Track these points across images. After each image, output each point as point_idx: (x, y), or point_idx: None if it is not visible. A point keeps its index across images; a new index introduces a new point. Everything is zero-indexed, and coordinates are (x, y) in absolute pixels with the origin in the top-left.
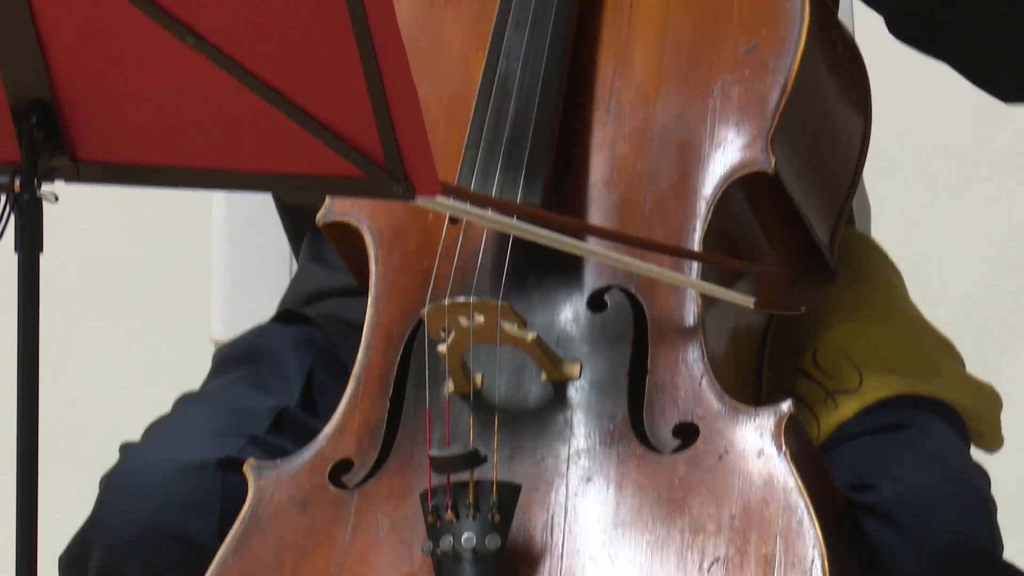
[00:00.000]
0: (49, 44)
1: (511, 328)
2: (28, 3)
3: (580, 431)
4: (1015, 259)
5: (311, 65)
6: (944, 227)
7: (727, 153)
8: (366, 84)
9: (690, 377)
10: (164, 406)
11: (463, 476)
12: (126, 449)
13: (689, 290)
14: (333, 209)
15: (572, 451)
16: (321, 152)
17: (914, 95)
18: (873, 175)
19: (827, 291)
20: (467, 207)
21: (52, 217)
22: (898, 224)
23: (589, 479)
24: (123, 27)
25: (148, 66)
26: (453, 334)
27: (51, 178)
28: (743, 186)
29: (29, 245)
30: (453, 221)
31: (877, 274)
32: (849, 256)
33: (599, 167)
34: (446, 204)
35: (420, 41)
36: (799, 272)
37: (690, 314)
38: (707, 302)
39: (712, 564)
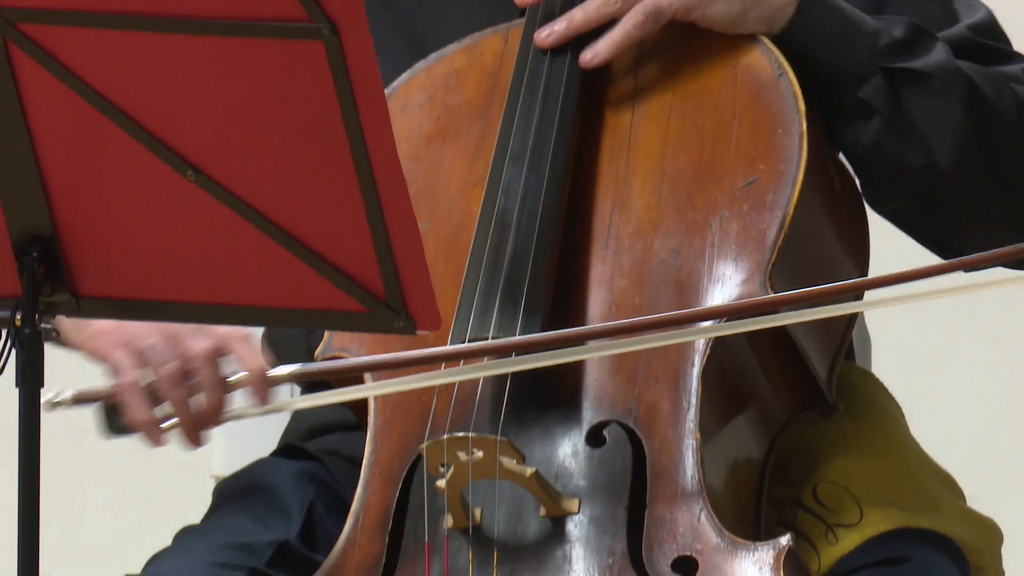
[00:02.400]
0: (50, 179)
1: (510, 463)
2: (30, 138)
3: (579, 566)
4: (1015, 395)
5: (312, 200)
6: (945, 362)
7: (726, 288)
8: (367, 219)
9: (689, 512)
10: (165, 539)
11: None
12: None
13: (688, 424)
14: (332, 344)
15: None
16: (323, 287)
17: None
18: (874, 310)
19: (827, 425)
20: (463, 368)
21: (53, 352)
22: (899, 358)
23: None
24: (124, 161)
25: (149, 200)
26: (452, 469)
27: (52, 313)
28: None
29: (30, 380)
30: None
31: (877, 408)
32: (849, 390)
33: (598, 302)
34: (443, 373)
35: (418, 177)
36: (798, 407)
37: (689, 449)
38: (706, 437)
39: None
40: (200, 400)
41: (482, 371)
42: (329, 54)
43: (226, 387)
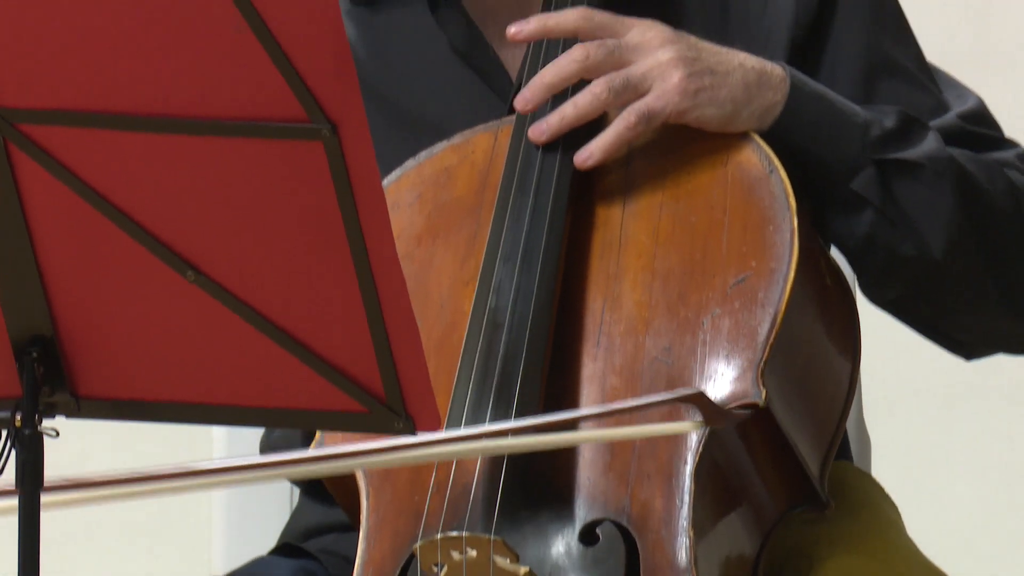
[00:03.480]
0: (50, 279)
1: (503, 562)
2: (30, 238)
3: None
4: (1015, 498)
5: (312, 300)
6: (944, 465)
7: (718, 386)
8: (367, 319)
9: None
10: None
11: None
12: None
13: (681, 522)
14: (323, 443)
15: None
16: (322, 387)
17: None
18: (874, 413)
19: (822, 526)
20: (460, 447)
21: (53, 453)
22: (898, 460)
23: None
24: (124, 261)
25: (149, 300)
26: (445, 568)
27: (52, 414)
28: None
29: (30, 480)
30: None
31: (874, 509)
32: (846, 491)
33: (589, 400)
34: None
35: (410, 274)
36: (790, 503)
37: (682, 547)
38: (699, 534)
39: None
40: None
41: (478, 450)
42: (329, 154)
43: None
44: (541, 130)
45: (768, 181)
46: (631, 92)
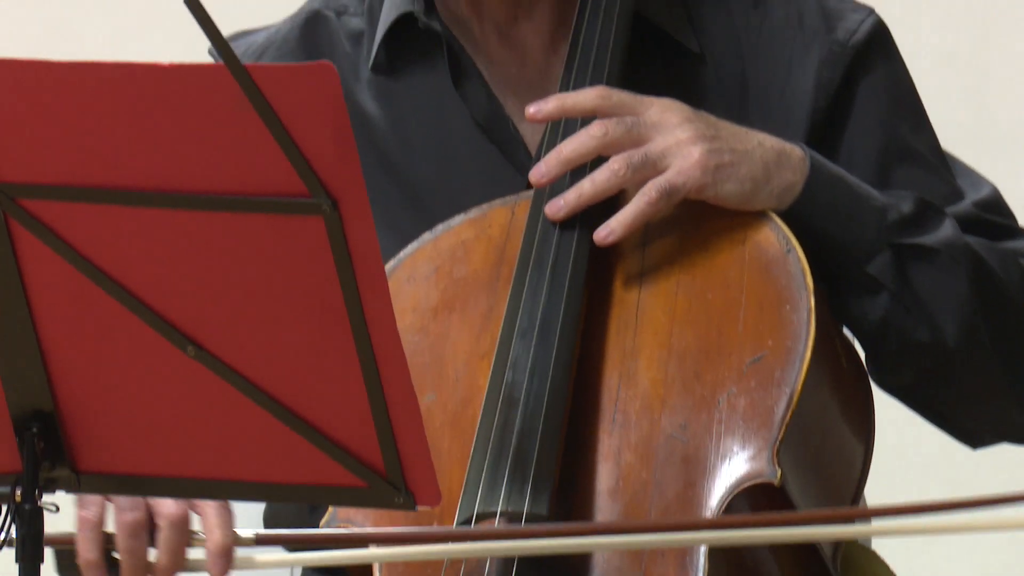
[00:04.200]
0: (51, 354)
1: None
2: (30, 312)
3: None
4: (1015, 572)
5: (312, 375)
6: (946, 542)
7: (733, 464)
8: (367, 394)
9: None
10: None
11: None
12: None
13: None
14: (337, 515)
15: None
16: (322, 462)
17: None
18: (875, 491)
19: None
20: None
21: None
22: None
23: None
24: (125, 336)
25: (149, 375)
26: None
27: (52, 488)
28: (749, 497)
29: (30, 555)
30: None
31: None
32: (851, 568)
33: (605, 477)
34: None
35: (425, 348)
36: None
37: None
38: None
39: None
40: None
41: (488, 550)
42: (329, 229)
43: (182, 552)
44: (558, 206)
45: (786, 260)
46: (650, 169)
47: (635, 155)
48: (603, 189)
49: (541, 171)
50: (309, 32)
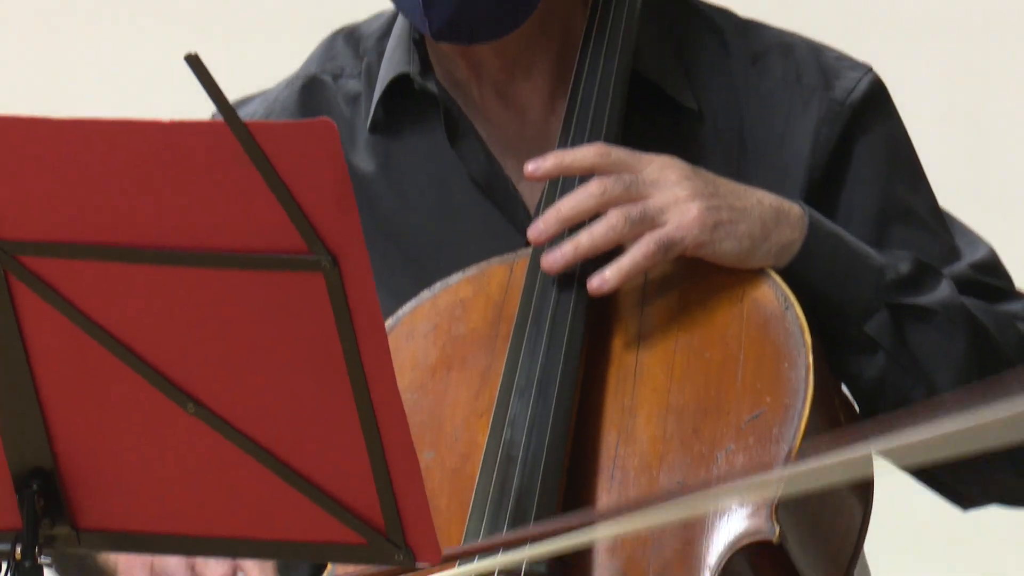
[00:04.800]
0: (51, 412)
1: None
2: (30, 370)
3: None
4: None
5: (312, 432)
6: None
7: (731, 522)
8: (367, 451)
9: None
10: None
11: None
12: None
13: None
14: (335, 572)
15: None
16: (322, 519)
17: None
18: (874, 548)
19: None
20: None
21: None
22: None
23: None
24: (125, 394)
25: (149, 433)
26: None
27: (52, 546)
28: (747, 555)
29: None
30: None
31: None
32: None
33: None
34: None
35: (424, 406)
36: None
37: None
38: None
39: None
40: None
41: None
42: (329, 286)
43: None
44: (554, 259)
45: (784, 318)
46: (648, 224)
47: (633, 210)
48: (600, 243)
49: (539, 228)
50: (307, 98)
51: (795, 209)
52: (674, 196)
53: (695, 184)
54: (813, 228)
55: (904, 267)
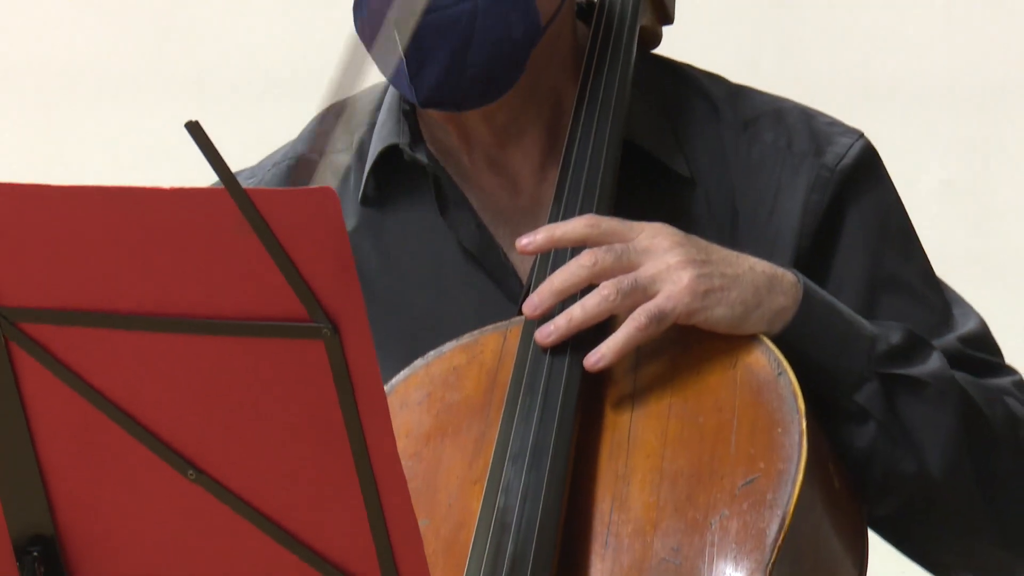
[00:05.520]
0: (51, 478)
1: None
2: (30, 436)
3: None
4: None
5: (312, 498)
6: None
7: None
8: (368, 518)
9: None
10: None
11: None
12: None
13: None
14: None
15: None
16: None
17: None
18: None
19: None
20: None
21: None
22: None
23: None
24: (125, 460)
25: (149, 499)
26: None
27: None
28: None
29: None
30: None
31: None
32: None
33: None
34: None
35: (418, 474)
36: None
37: None
38: None
39: None
40: None
41: None
42: (330, 353)
43: None
44: (548, 332)
45: (777, 383)
46: (640, 294)
47: (624, 280)
48: (593, 315)
49: (534, 303)
50: (294, 178)
51: (788, 276)
52: (665, 264)
53: (686, 251)
54: (807, 296)
55: (895, 338)
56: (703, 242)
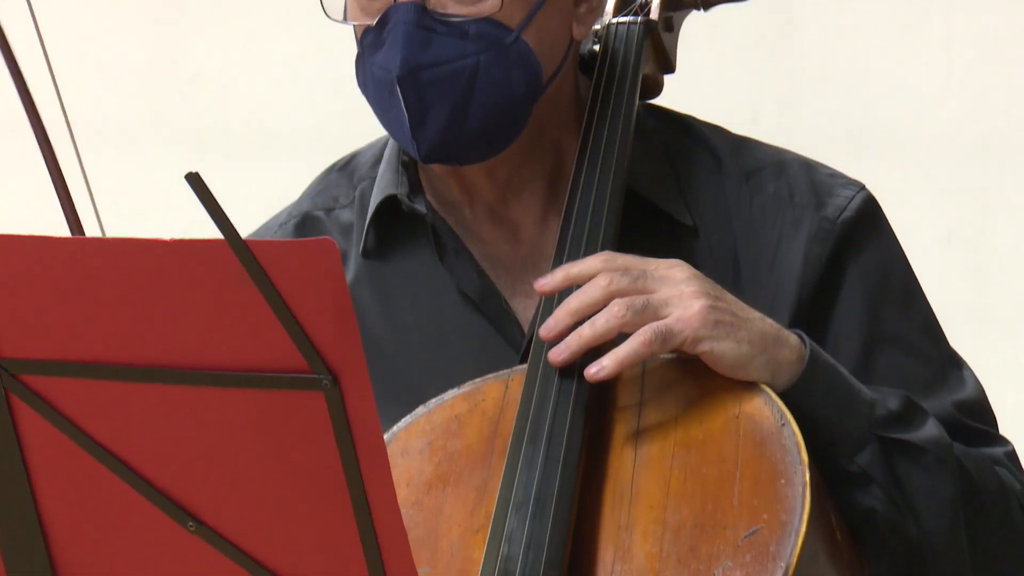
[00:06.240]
0: (51, 528)
1: None
2: (30, 487)
3: None
4: None
5: (313, 549)
6: None
7: None
8: (368, 569)
9: None
10: None
11: None
12: None
13: None
14: None
15: None
16: None
17: None
18: None
19: None
20: None
21: None
22: None
23: None
24: (125, 511)
25: (149, 550)
26: None
27: None
28: None
29: None
30: None
31: None
32: None
33: None
34: None
35: (420, 522)
36: None
37: None
38: None
39: None
40: None
41: None
42: (330, 405)
43: None
44: (559, 351)
45: (780, 434)
46: (650, 315)
47: (637, 300)
48: (602, 331)
49: (550, 325)
50: (301, 237)
51: (793, 337)
52: (679, 291)
53: (701, 284)
54: (812, 357)
55: (893, 403)
56: (717, 284)
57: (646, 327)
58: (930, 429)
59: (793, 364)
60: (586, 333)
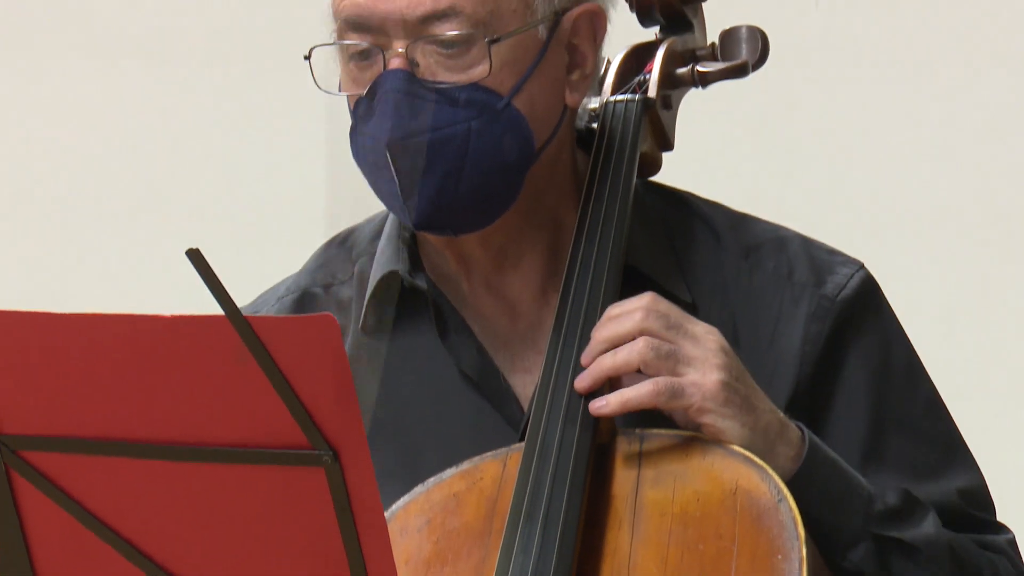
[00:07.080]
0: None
1: None
2: (30, 562)
3: None
4: None
5: None
6: None
7: None
8: None
9: None
10: None
11: None
12: None
13: None
14: None
15: None
16: None
17: None
18: None
19: None
20: None
21: None
22: None
23: None
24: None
25: None
26: None
27: None
28: None
29: None
30: None
31: None
32: None
33: None
34: None
35: None
36: None
37: None
38: None
39: None
40: None
41: None
42: (330, 480)
43: None
44: (581, 378)
45: (777, 510)
46: (671, 364)
47: (664, 346)
48: (623, 363)
49: (586, 357)
50: (299, 312)
51: (795, 433)
52: (704, 357)
53: (728, 360)
54: (811, 452)
55: (892, 499)
56: (742, 366)
57: (660, 379)
58: (927, 527)
59: (790, 460)
60: (606, 364)
